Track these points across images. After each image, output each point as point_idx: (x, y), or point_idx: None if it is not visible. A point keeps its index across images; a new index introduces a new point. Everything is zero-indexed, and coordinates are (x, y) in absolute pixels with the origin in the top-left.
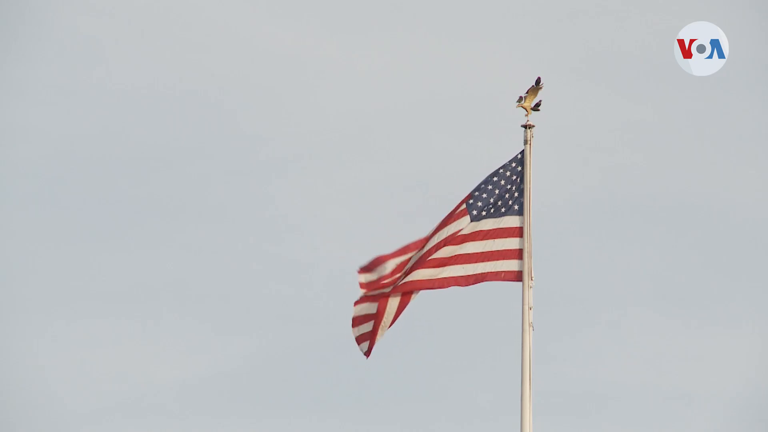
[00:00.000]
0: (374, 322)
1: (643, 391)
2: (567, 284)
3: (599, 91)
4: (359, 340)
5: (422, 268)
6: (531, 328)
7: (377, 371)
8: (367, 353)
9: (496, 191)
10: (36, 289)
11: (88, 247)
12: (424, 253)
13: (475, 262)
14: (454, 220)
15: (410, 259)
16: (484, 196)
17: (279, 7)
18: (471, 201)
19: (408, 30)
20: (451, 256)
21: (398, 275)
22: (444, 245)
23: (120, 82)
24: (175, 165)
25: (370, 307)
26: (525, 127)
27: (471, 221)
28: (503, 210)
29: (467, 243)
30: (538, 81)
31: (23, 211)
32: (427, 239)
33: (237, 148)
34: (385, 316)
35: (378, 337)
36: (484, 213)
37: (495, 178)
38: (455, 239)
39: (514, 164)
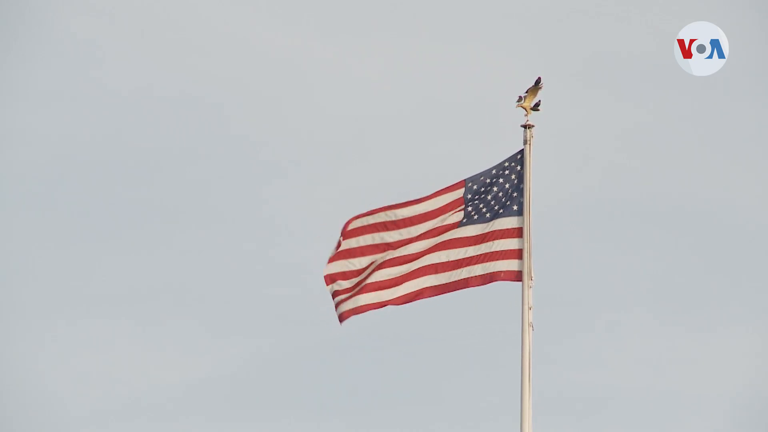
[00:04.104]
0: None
1: (642, 392)
2: (566, 286)
3: (599, 92)
4: (336, 294)
5: (420, 276)
6: (531, 328)
7: (377, 373)
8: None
9: (494, 193)
10: (35, 291)
11: (87, 250)
12: (416, 258)
13: (475, 264)
14: (450, 228)
15: (388, 261)
16: (479, 201)
17: (277, 11)
18: (466, 207)
19: (406, 32)
20: (450, 261)
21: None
22: (439, 249)
23: (118, 84)
24: (174, 168)
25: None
26: (525, 127)
27: (464, 225)
28: (501, 211)
29: (465, 247)
30: (538, 81)
31: (22, 213)
32: (407, 241)
33: (235, 151)
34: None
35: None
36: (476, 217)
37: (492, 179)
38: (451, 243)
39: (512, 164)
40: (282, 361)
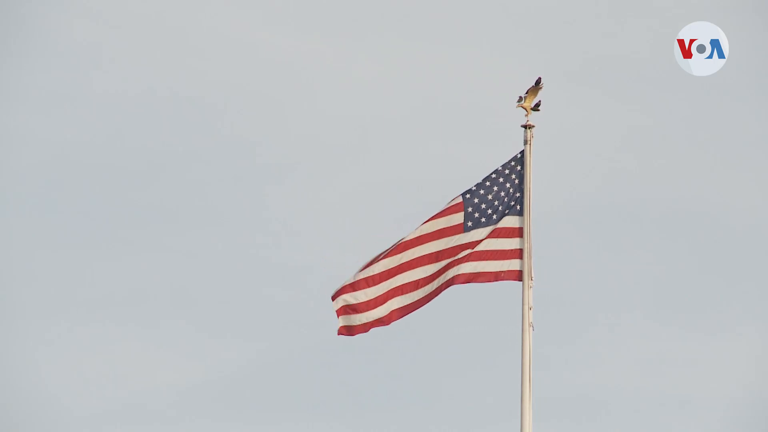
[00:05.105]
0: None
1: (640, 395)
2: (564, 288)
3: (599, 92)
4: (340, 312)
5: (423, 286)
6: (531, 328)
7: (375, 374)
8: (344, 332)
9: (497, 193)
10: (35, 292)
11: (86, 252)
12: (420, 266)
13: (476, 261)
14: (452, 234)
15: (390, 272)
16: (483, 203)
17: (276, 13)
18: (470, 210)
19: (405, 35)
20: (451, 262)
21: (379, 288)
22: (443, 258)
23: (119, 87)
24: (173, 170)
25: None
26: (525, 127)
27: (471, 230)
28: (506, 211)
29: (466, 250)
30: (538, 81)
31: (22, 215)
32: (412, 245)
33: (234, 153)
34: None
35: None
36: (483, 220)
37: (494, 181)
38: (455, 249)
39: (513, 164)
40: (281, 363)
